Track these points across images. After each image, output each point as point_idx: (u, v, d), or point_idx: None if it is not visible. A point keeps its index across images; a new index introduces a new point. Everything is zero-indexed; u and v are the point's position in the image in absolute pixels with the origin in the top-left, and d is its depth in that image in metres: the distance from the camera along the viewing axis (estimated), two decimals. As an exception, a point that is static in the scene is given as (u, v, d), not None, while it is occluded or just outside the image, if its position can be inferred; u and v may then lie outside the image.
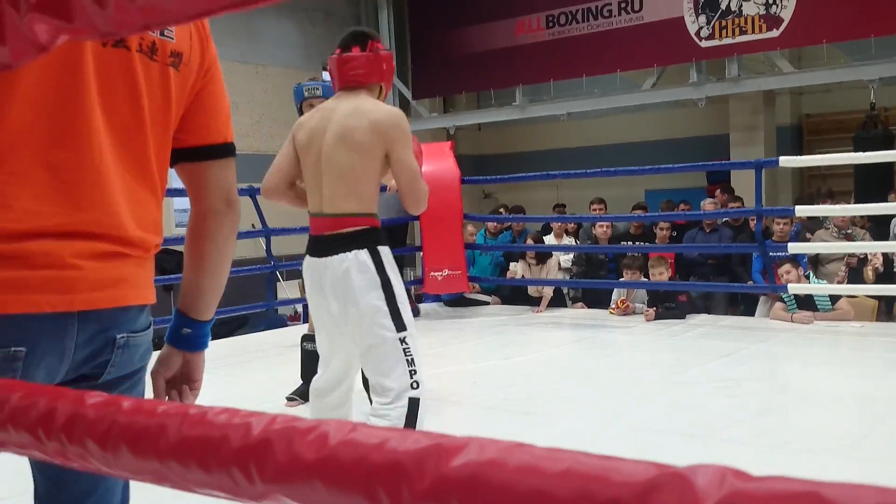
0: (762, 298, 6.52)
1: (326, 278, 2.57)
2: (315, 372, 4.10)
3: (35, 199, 1.08)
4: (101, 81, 1.13)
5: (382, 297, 2.53)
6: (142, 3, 0.61)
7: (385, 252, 2.59)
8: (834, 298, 5.79)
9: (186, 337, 1.38)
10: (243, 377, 4.98)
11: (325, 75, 3.95)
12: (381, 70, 2.73)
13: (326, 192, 2.59)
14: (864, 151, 6.79)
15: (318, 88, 3.86)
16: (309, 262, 2.65)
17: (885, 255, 6.22)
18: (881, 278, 6.17)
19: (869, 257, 6.15)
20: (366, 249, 2.55)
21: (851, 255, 6.26)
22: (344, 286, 2.53)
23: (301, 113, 3.88)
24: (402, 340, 2.54)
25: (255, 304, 6.91)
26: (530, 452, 0.49)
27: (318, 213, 2.63)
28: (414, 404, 2.55)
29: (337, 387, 2.81)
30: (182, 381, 1.38)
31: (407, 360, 2.55)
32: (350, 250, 2.54)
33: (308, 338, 4.08)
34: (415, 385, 2.55)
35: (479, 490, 0.47)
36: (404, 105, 11.93)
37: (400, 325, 2.54)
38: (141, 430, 0.61)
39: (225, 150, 1.35)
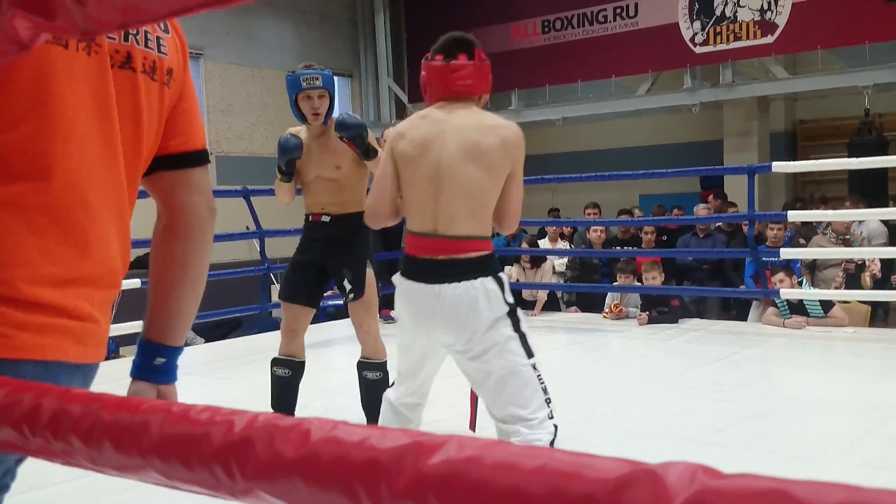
0: (754, 303, 6.54)
1: (440, 307, 2.34)
2: (288, 401, 3.60)
3: (72, 244, 1.06)
4: (119, 109, 1.11)
5: (510, 325, 2.35)
6: (120, 2, 0.61)
7: (505, 278, 2.44)
8: (827, 305, 5.80)
9: (161, 368, 1.26)
10: (237, 380, 4.98)
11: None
12: (488, 80, 2.54)
13: (445, 212, 2.35)
14: (858, 157, 6.82)
15: (317, 78, 3.43)
16: (412, 287, 2.40)
17: (882, 261, 6.23)
18: (878, 284, 6.18)
19: (867, 263, 6.16)
20: (491, 277, 2.36)
21: (849, 261, 6.28)
22: (470, 317, 2.32)
23: (296, 106, 3.47)
24: (534, 367, 2.38)
25: (249, 306, 6.90)
26: (508, 450, 0.49)
27: (430, 233, 2.38)
28: (555, 431, 2.40)
29: (421, 402, 2.64)
30: None
31: (542, 388, 2.40)
32: (476, 278, 2.34)
33: (279, 362, 3.61)
34: (551, 415, 2.41)
35: (456, 487, 0.48)
36: (400, 108, 11.96)
37: (529, 352, 2.37)
38: (124, 427, 0.62)
39: (205, 157, 1.31)
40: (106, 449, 0.63)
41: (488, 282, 2.34)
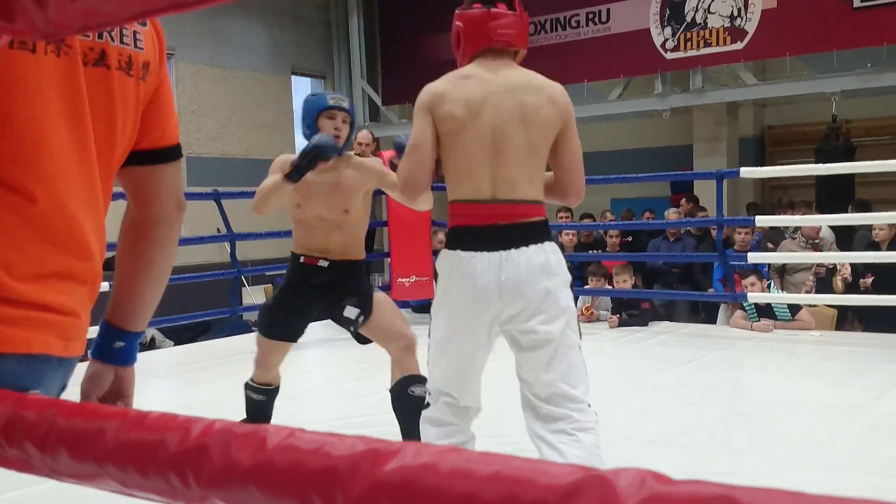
0: (723, 306, 6.61)
1: (506, 274, 2.17)
2: (264, 420, 3.26)
3: (49, 242, 1.06)
4: (91, 108, 1.10)
5: (571, 298, 2.24)
6: (82, 5, 0.61)
7: None
8: (794, 308, 5.88)
9: (120, 351, 1.28)
10: (206, 384, 4.93)
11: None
12: (527, 34, 2.35)
13: (503, 177, 2.20)
14: (825, 163, 6.91)
15: (344, 99, 3.21)
16: (471, 258, 2.19)
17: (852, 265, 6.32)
18: (848, 288, 6.27)
19: (838, 267, 6.25)
20: (553, 242, 2.24)
21: (820, 265, 6.37)
22: (541, 280, 2.17)
23: (313, 128, 3.11)
24: (580, 349, 2.25)
25: (219, 309, 6.85)
26: (463, 456, 0.50)
27: (488, 199, 2.21)
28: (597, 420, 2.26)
29: (472, 405, 2.40)
30: (115, 397, 1.31)
31: (587, 373, 2.25)
32: (543, 241, 2.20)
33: (254, 388, 3.32)
34: (590, 403, 2.25)
35: (411, 494, 0.48)
36: (374, 110, 11.93)
37: (580, 332, 2.27)
38: (80, 434, 0.61)
39: (178, 153, 1.30)
40: (61, 456, 0.62)
41: (554, 246, 2.23)
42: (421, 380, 3.03)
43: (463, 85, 2.26)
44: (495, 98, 2.22)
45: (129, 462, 0.58)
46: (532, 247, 2.19)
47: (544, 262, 2.19)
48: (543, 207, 2.28)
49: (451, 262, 2.24)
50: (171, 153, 1.29)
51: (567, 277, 2.24)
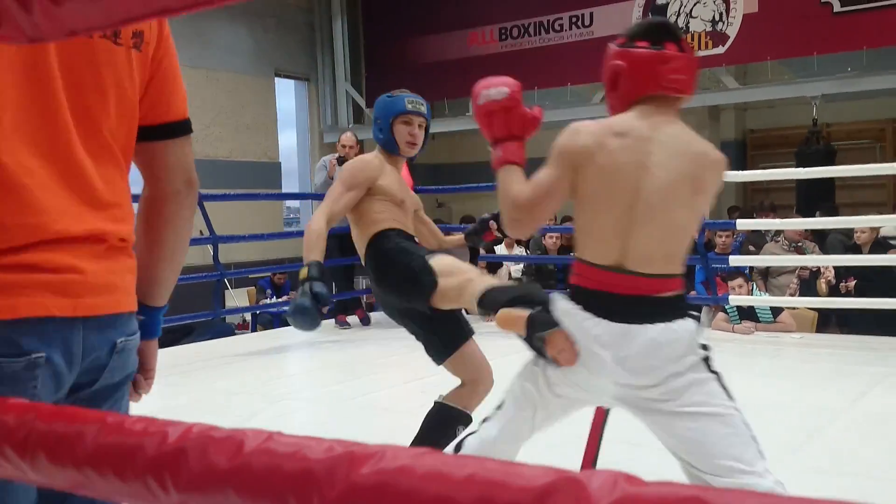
0: (704, 309, 6.65)
1: (627, 349, 1.92)
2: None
3: (25, 211, 1.05)
4: (65, 74, 1.09)
5: (705, 368, 1.95)
6: (66, 10, 0.61)
7: (701, 317, 2.05)
8: (776, 310, 5.92)
9: (140, 325, 1.29)
10: (188, 387, 4.92)
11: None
12: (695, 79, 2.06)
13: (637, 249, 1.94)
14: (805, 166, 6.97)
15: (422, 104, 3.00)
16: (588, 317, 1.96)
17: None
18: (830, 291, 6.33)
19: (822, 270, 6.31)
20: (689, 318, 1.96)
21: (804, 268, 6.42)
22: (664, 367, 1.92)
23: (387, 132, 2.93)
24: (739, 410, 1.97)
25: (202, 312, 6.82)
26: (439, 459, 0.50)
27: (615, 267, 1.95)
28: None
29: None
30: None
31: (753, 437, 1.98)
32: (673, 319, 1.93)
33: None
34: (767, 468, 1.97)
35: (386, 497, 0.49)
36: (358, 113, 11.93)
37: (729, 394, 1.97)
38: (59, 438, 0.61)
39: (186, 127, 1.29)
40: (40, 460, 0.62)
41: (688, 325, 1.95)
42: (467, 422, 2.85)
43: (617, 146, 1.98)
44: (650, 162, 1.95)
45: (108, 466, 0.58)
46: (659, 325, 1.92)
47: (670, 342, 1.92)
48: (679, 281, 1.99)
49: (568, 311, 2.01)
50: (178, 128, 1.28)
51: (700, 355, 1.95)
